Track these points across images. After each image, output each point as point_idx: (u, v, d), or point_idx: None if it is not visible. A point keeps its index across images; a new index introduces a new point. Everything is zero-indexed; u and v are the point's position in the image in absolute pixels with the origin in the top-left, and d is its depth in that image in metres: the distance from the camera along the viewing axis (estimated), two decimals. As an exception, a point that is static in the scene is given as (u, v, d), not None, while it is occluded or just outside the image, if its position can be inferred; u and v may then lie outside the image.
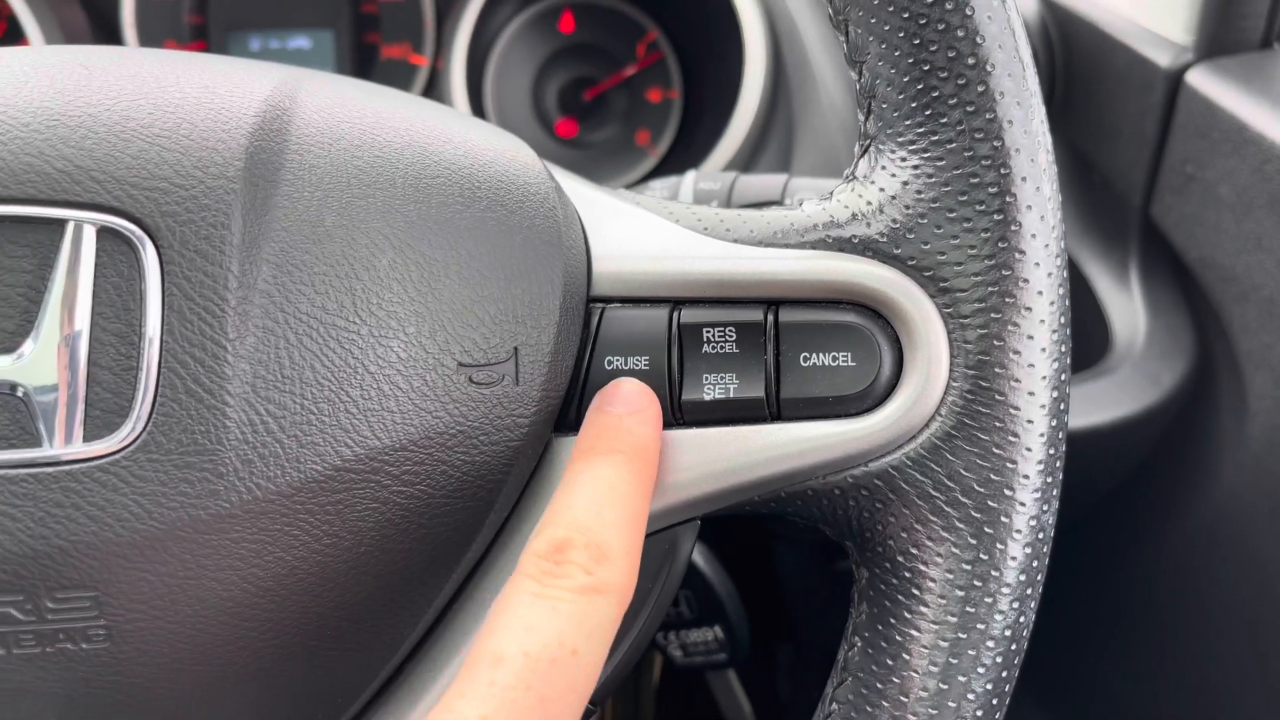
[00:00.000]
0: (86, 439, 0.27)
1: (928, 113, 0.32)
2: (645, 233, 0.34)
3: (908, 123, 0.32)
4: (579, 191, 0.35)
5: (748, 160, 0.67)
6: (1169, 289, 0.69)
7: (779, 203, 0.45)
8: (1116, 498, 0.73)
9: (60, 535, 0.27)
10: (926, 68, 0.31)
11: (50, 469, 0.27)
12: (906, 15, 0.31)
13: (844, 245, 0.33)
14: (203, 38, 0.77)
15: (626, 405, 0.32)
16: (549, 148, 0.81)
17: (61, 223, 0.27)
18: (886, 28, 0.32)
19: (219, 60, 0.33)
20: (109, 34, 0.76)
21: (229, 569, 0.28)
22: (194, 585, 0.28)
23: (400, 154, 0.31)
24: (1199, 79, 0.65)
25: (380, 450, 0.29)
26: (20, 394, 0.27)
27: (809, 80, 0.65)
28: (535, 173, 0.34)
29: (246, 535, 0.28)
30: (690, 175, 0.47)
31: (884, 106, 0.33)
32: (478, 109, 0.74)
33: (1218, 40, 0.66)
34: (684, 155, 0.79)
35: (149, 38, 0.76)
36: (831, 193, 0.34)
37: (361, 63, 0.79)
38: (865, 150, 0.34)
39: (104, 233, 0.28)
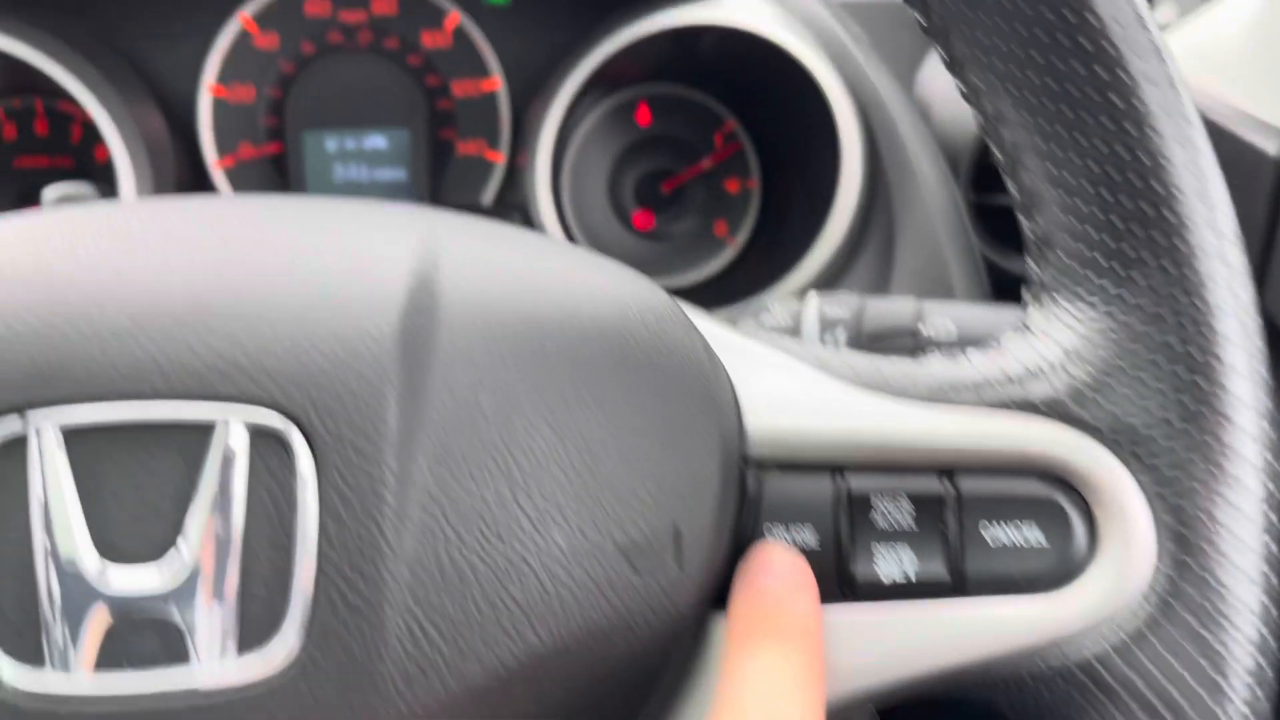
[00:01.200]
0: (240, 652, 0.25)
1: (1119, 268, 0.29)
2: (798, 386, 0.32)
3: (1095, 277, 0.30)
4: (720, 338, 0.33)
5: (844, 262, 0.65)
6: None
7: (913, 332, 0.43)
8: None
9: None
10: (1118, 222, 0.29)
11: (201, 696, 0.25)
12: (1096, 166, 0.29)
13: (1024, 405, 0.30)
14: (278, 139, 0.77)
15: (782, 579, 0.30)
16: (627, 241, 0.80)
17: (211, 423, 0.25)
18: (1071, 178, 0.30)
19: (350, 212, 0.31)
20: (186, 138, 0.76)
21: None
22: None
23: (548, 318, 0.29)
24: (1314, 169, 0.62)
25: (541, 651, 0.27)
26: (170, 608, 0.25)
27: (909, 180, 0.63)
28: (681, 325, 0.32)
29: None
30: (813, 300, 0.45)
31: (1064, 257, 0.30)
32: (556, 204, 0.73)
33: (1331, 127, 0.63)
34: (764, 246, 0.78)
35: (225, 140, 0.76)
36: (999, 341, 0.32)
37: (437, 160, 0.78)
38: (1038, 299, 0.32)
39: (256, 432, 0.26)
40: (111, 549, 0.25)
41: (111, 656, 0.25)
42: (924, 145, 0.65)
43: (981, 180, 0.74)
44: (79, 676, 0.25)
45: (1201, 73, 0.70)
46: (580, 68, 0.69)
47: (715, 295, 0.78)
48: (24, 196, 0.74)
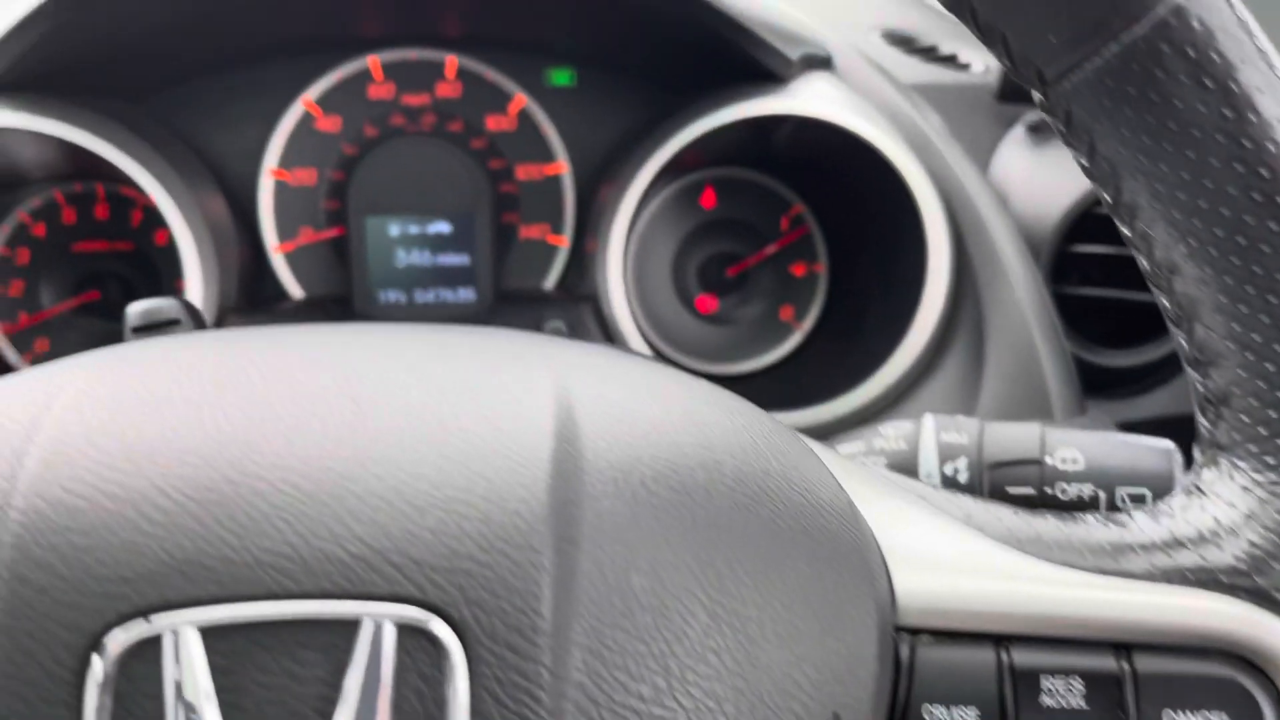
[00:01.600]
0: None
1: None
2: (950, 545, 0.30)
3: (1272, 435, 0.28)
4: (859, 491, 0.31)
5: (930, 360, 0.63)
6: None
7: (1039, 461, 0.40)
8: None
9: None
10: None
11: None
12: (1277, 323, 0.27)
13: (1203, 575, 0.28)
14: (340, 223, 0.75)
15: None
16: (690, 325, 0.78)
17: (354, 622, 0.23)
18: (1256, 337, 0.28)
19: (476, 356, 0.30)
20: (247, 222, 0.74)
21: None
22: None
23: (694, 479, 0.27)
24: None
25: None
26: None
27: (997, 272, 0.61)
28: (824, 477, 0.30)
29: None
30: (929, 423, 0.42)
31: (1244, 418, 0.28)
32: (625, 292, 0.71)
33: None
34: (833, 332, 0.76)
35: (286, 224, 0.75)
36: (1172, 506, 0.30)
37: (500, 244, 0.76)
38: (1213, 460, 0.29)
39: (405, 630, 0.23)
40: None
41: None
42: (1009, 235, 0.64)
43: (1060, 271, 0.72)
44: None
45: None
46: (656, 156, 0.67)
47: (782, 380, 0.77)
48: (82, 282, 0.73)
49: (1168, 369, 0.74)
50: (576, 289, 0.75)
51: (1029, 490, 0.40)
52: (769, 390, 0.73)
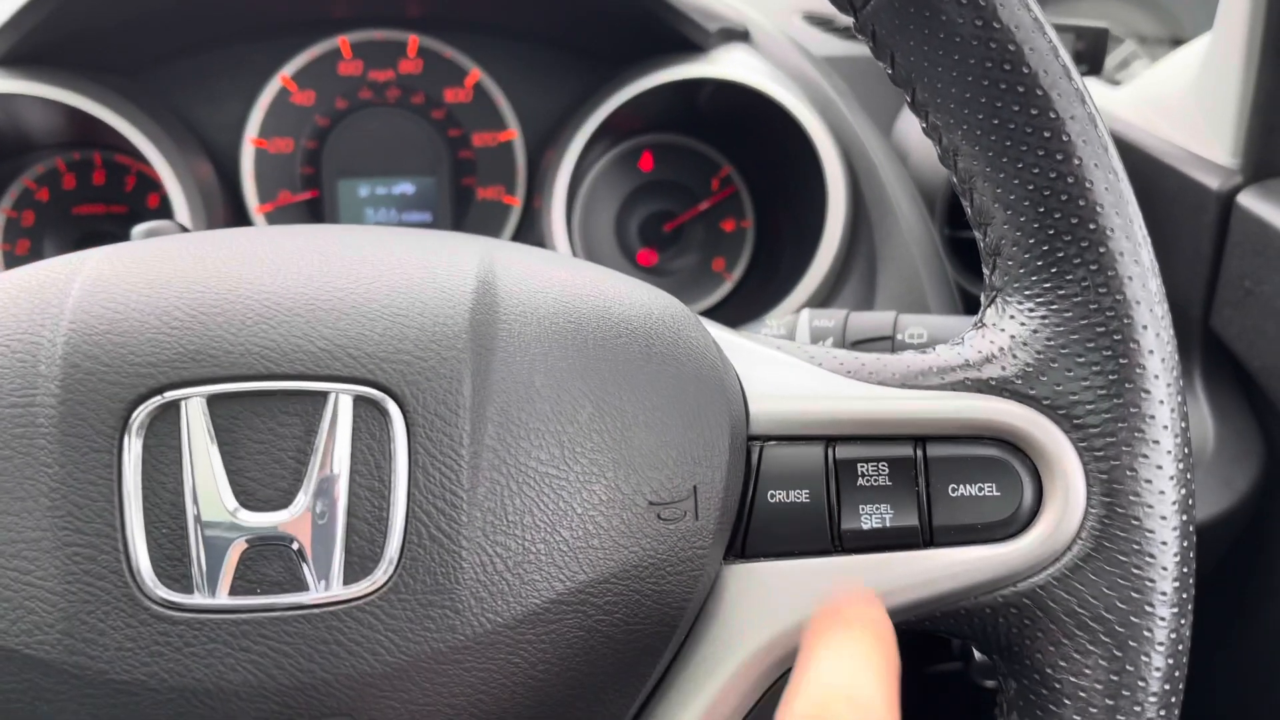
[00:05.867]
0: (346, 582, 0.31)
1: (1053, 270, 0.36)
2: (795, 376, 0.38)
3: (1034, 278, 0.36)
4: (729, 340, 0.40)
5: (831, 289, 0.72)
6: (1233, 396, 0.73)
7: (890, 338, 0.49)
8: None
9: (324, 669, 0.31)
10: (1051, 232, 0.36)
11: (316, 610, 0.31)
12: (1031, 188, 0.36)
13: (982, 386, 0.36)
14: (315, 187, 0.84)
15: (857, 601, 0.32)
16: (632, 275, 0.86)
17: (324, 394, 0.32)
18: (1012, 197, 0.36)
19: (423, 236, 0.38)
20: (231, 185, 0.83)
21: (461, 695, 0.32)
22: (432, 712, 0.32)
23: (589, 318, 0.36)
24: (1250, 201, 0.69)
25: (587, 584, 0.33)
26: (294, 546, 0.31)
27: (889, 216, 0.70)
28: (695, 327, 0.38)
29: (477, 664, 0.32)
30: (805, 314, 0.51)
31: (1010, 264, 0.37)
32: (569, 243, 0.80)
33: (1265, 164, 0.71)
34: (759, 280, 0.84)
35: (266, 188, 0.83)
36: (963, 338, 0.38)
37: (459, 204, 0.85)
38: (992, 301, 0.38)
39: (359, 401, 0.32)
40: (246, 495, 0.32)
41: (245, 582, 0.31)
42: (902, 185, 0.73)
43: (954, 216, 0.81)
44: (220, 597, 0.31)
45: (1154, 117, 0.78)
46: (591, 119, 0.76)
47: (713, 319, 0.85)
48: (82, 240, 0.81)
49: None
50: (527, 243, 0.83)
51: (882, 361, 0.49)
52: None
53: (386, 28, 0.83)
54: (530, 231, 0.84)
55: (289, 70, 0.83)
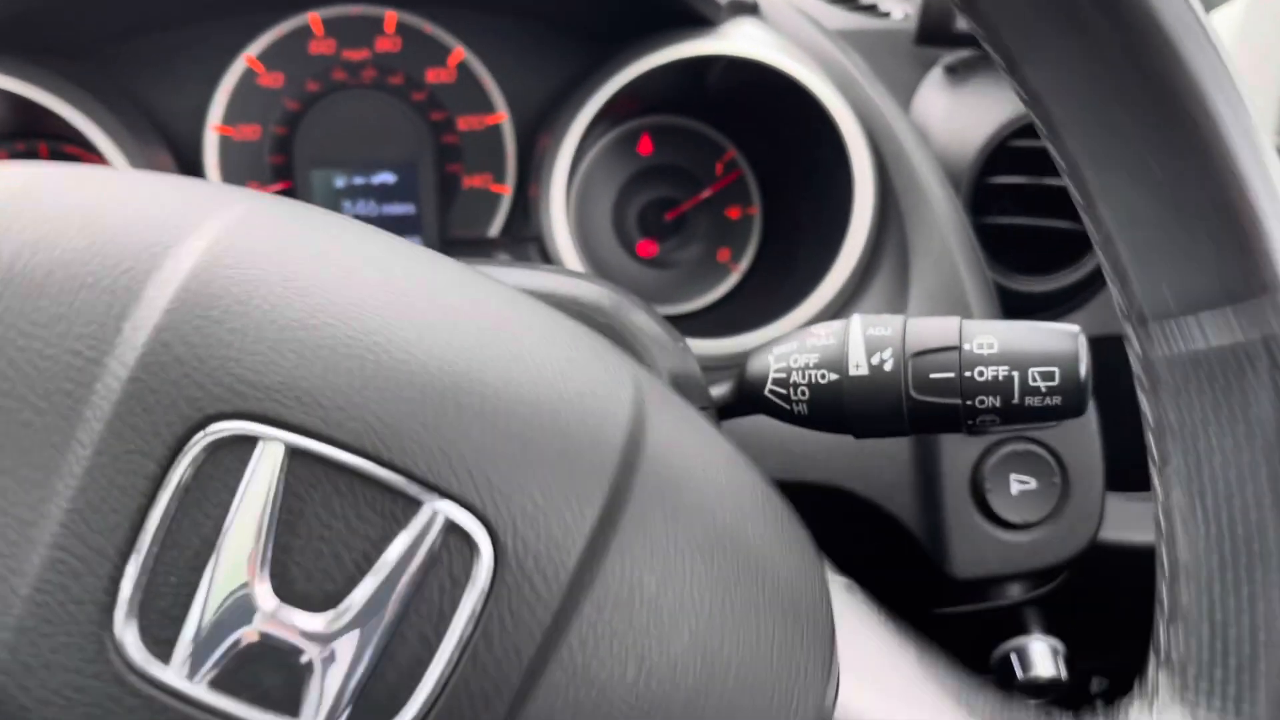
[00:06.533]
0: None
1: None
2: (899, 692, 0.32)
3: None
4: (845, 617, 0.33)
5: (859, 285, 0.66)
6: None
7: (957, 348, 0.44)
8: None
9: None
10: None
11: None
12: None
13: None
14: (286, 178, 0.77)
15: None
16: (631, 269, 0.81)
17: (419, 503, 0.26)
18: None
19: (584, 341, 0.31)
20: (192, 176, 0.76)
21: None
22: None
23: (724, 531, 0.30)
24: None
25: None
26: (305, 660, 0.25)
27: (920, 202, 0.64)
28: (820, 587, 0.32)
29: None
30: (857, 320, 0.46)
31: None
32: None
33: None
34: (770, 273, 0.79)
35: (233, 179, 0.76)
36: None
37: (444, 193, 0.78)
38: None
39: (452, 527, 0.26)
40: (284, 580, 0.25)
41: (233, 679, 0.25)
42: (930, 164, 0.67)
43: (979, 203, 0.76)
44: (196, 686, 0.25)
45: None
46: (591, 101, 0.70)
47: (721, 318, 0.80)
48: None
49: (1081, 294, 0.78)
50: (521, 235, 0.77)
51: (949, 375, 0.44)
52: (709, 324, 0.76)
53: (361, 2, 0.76)
54: (523, 223, 0.77)
55: (255, 50, 0.75)
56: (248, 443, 0.26)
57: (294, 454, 0.26)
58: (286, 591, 0.25)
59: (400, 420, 0.26)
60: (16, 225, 0.28)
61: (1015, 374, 0.43)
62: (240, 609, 0.25)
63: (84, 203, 0.29)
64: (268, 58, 0.76)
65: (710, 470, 0.31)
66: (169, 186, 0.31)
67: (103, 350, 0.26)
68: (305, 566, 0.25)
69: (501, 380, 0.28)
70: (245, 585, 0.25)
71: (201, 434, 0.25)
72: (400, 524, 0.26)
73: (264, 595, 0.25)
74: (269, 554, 0.25)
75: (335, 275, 0.28)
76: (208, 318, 0.26)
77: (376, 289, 0.28)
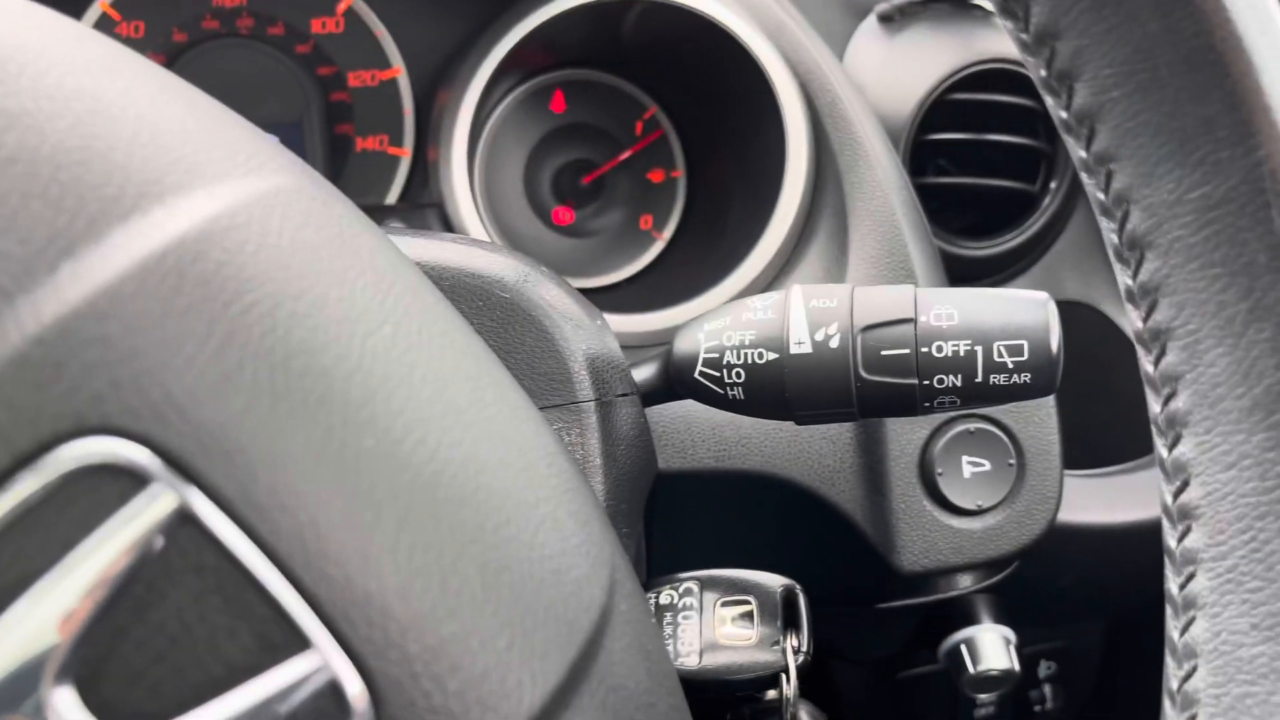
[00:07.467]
0: None
1: None
2: None
3: None
4: None
5: (793, 251, 0.60)
6: None
7: (912, 320, 0.38)
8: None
9: None
10: None
11: None
12: None
13: None
14: (153, 139, 0.68)
15: None
16: (546, 238, 0.74)
17: (308, 644, 0.20)
18: None
19: (582, 505, 0.27)
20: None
21: None
22: None
23: None
24: None
25: None
26: None
27: (860, 159, 0.59)
28: None
29: None
30: (797, 292, 0.40)
31: None
32: (473, 201, 0.67)
33: None
34: (698, 240, 0.73)
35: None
36: None
37: (334, 157, 0.71)
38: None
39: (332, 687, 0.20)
40: (97, 664, 0.19)
41: None
42: (868, 118, 0.62)
43: (918, 162, 0.71)
44: None
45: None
46: (495, 50, 0.63)
47: (644, 291, 0.74)
48: None
49: (1024, 258, 0.74)
50: (420, 202, 0.70)
51: (904, 351, 0.38)
52: (631, 298, 0.70)
53: (233, -59, 0.68)
54: (422, 189, 0.70)
55: (111, -5, 0.67)
56: (135, 480, 0.19)
57: (185, 520, 0.19)
58: (90, 691, 0.19)
59: (343, 546, 0.21)
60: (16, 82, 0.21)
61: (979, 349, 0.38)
62: (17, 685, 0.18)
63: (113, 100, 0.22)
64: (124, 4, 0.67)
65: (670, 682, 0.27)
66: (216, 122, 0.24)
67: (18, 287, 0.19)
68: (131, 664, 0.19)
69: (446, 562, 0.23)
70: (42, 657, 0.18)
71: (83, 443, 0.19)
72: (275, 659, 0.20)
73: (61, 693, 0.19)
74: (92, 627, 0.19)
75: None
76: (168, 304, 0.20)
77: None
